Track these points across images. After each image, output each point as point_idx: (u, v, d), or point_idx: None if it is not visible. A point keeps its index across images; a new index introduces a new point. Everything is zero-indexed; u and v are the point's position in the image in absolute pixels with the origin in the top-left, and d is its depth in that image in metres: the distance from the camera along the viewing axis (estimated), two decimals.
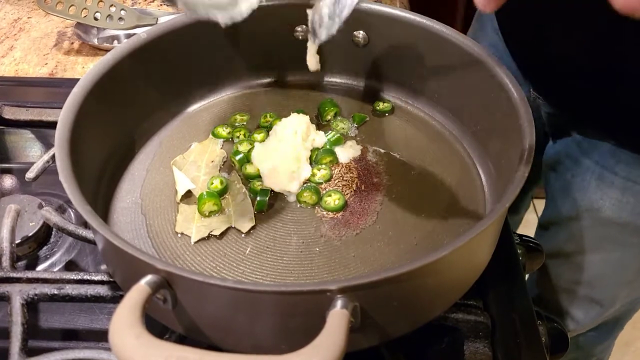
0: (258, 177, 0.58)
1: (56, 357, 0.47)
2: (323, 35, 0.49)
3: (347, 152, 0.61)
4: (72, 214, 0.62)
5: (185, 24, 0.63)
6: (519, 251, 0.58)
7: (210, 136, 0.64)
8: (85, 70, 0.83)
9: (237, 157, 0.60)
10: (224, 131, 0.64)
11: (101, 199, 0.56)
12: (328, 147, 0.61)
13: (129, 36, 0.88)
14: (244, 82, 0.70)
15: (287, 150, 0.59)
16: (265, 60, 0.69)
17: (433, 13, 0.65)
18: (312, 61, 0.59)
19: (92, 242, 0.55)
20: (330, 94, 0.69)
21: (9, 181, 0.66)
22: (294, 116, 0.63)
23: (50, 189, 0.64)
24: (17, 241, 0.57)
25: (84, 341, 0.53)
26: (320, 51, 0.59)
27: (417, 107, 0.67)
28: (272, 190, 0.57)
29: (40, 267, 0.58)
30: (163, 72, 0.64)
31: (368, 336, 0.44)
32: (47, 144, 0.72)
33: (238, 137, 0.64)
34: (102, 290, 0.51)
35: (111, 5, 0.84)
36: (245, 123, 0.66)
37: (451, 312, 0.49)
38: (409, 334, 0.46)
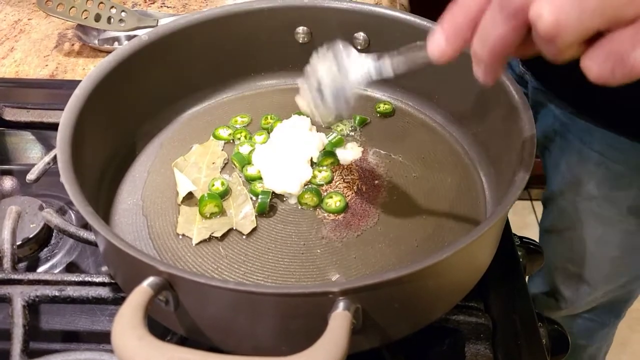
0: (259, 178, 0.58)
1: (57, 359, 0.47)
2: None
3: (348, 154, 0.61)
4: (72, 215, 0.62)
5: (186, 26, 0.63)
6: (519, 253, 0.58)
7: (211, 138, 0.64)
8: (86, 71, 0.83)
9: (238, 159, 0.60)
10: (225, 133, 0.64)
11: (102, 200, 0.56)
12: (329, 148, 0.61)
13: (129, 38, 0.88)
14: (244, 84, 0.70)
15: (288, 152, 0.59)
16: (266, 62, 0.70)
17: (433, 15, 0.65)
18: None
19: (93, 244, 0.55)
20: None
21: (9, 183, 0.66)
22: (295, 118, 0.63)
23: (51, 191, 0.64)
24: (18, 243, 0.56)
25: (85, 343, 0.53)
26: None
27: (418, 109, 0.68)
28: (273, 192, 0.57)
29: (41, 269, 0.58)
30: (164, 74, 0.64)
31: (369, 338, 0.44)
32: (48, 146, 0.72)
33: (239, 138, 0.64)
34: (103, 292, 0.51)
35: (112, 7, 0.84)
36: (246, 125, 0.66)
37: (452, 313, 0.49)
38: (410, 335, 0.46)
